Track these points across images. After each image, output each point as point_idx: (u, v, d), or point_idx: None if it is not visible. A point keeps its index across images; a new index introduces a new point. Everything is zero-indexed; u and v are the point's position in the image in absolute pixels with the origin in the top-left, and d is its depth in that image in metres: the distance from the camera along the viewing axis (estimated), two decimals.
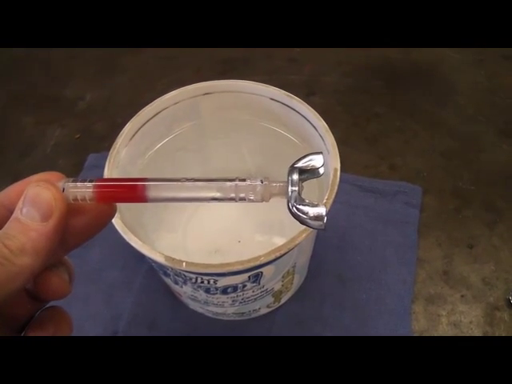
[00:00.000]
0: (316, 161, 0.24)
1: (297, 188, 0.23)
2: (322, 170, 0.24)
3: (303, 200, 0.23)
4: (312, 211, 0.23)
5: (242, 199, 0.24)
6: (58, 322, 0.26)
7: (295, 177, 0.23)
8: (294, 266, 0.42)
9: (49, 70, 0.75)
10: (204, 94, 0.45)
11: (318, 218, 0.23)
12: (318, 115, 0.41)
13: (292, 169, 0.23)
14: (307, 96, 0.67)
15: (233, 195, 0.24)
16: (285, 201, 0.23)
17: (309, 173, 0.24)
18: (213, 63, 0.74)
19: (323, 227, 0.23)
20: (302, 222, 0.23)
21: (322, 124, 0.40)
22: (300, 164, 0.24)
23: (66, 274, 0.26)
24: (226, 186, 0.24)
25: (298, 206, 0.23)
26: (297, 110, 0.43)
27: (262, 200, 0.24)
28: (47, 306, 0.26)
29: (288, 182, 0.23)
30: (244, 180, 0.24)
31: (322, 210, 0.23)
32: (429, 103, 0.66)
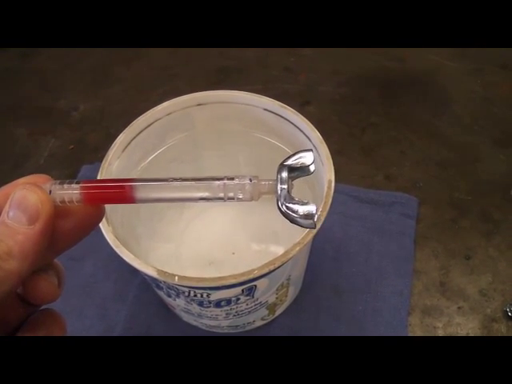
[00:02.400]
0: (306, 158, 0.23)
1: (286, 186, 0.23)
2: (312, 168, 0.23)
3: (293, 198, 0.22)
4: (302, 209, 0.22)
5: (231, 198, 0.23)
6: (50, 325, 0.25)
7: (284, 175, 0.23)
8: (288, 279, 0.41)
9: (42, 80, 0.75)
10: (197, 105, 0.45)
11: (308, 216, 0.22)
12: (311, 126, 0.40)
13: (281, 167, 0.23)
14: (302, 105, 0.67)
15: (221, 195, 0.23)
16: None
17: (299, 170, 0.23)
18: (207, 73, 0.74)
19: (314, 225, 0.22)
20: (291, 220, 0.22)
21: (316, 135, 0.40)
22: (289, 162, 0.23)
23: (55, 278, 0.25)
24: (214, 186, 0.23)
25: (287, 205, 0.22)
26: (290, 120, 0.42)
27: (251, 199, 0.23)
28: (41, 308, 0.26)
29: (277, 179, 0.23)
30: (232, 179, 0.23)
31: (312, 208, 0.22)
32: (425, 113, 0.66)
